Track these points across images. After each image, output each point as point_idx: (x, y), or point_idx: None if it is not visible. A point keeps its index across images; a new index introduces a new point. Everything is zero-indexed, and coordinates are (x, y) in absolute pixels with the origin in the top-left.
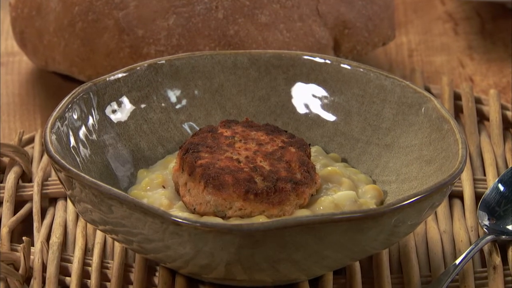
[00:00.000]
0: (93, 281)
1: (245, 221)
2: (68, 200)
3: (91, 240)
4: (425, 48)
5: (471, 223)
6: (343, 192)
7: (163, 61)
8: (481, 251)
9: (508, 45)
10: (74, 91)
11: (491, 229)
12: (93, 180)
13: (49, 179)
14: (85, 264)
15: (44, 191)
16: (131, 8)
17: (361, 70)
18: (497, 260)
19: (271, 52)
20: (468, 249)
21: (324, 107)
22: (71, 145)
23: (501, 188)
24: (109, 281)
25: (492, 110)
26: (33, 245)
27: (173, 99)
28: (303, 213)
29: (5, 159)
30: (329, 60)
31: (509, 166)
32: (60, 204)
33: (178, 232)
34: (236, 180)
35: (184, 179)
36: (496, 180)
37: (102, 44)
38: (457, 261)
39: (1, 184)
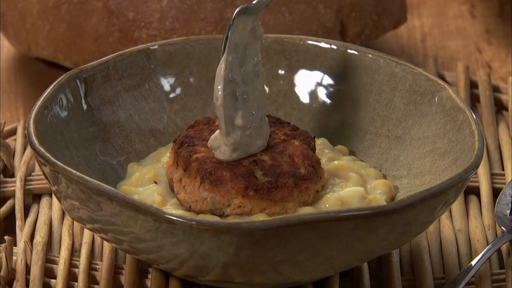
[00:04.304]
0: (80, 284)
1: (245, 219)
2: (54, 197)
3: (78, 240)
4: (439, 32)
5: (488, 221)
6: (351, 188)
7: (156, 46)
8: (498, 251)
9: None
10: (59, 78)
11: (510, 228)
12: (80, 174)
13: (33, 173)
14: (71, 265)
15: (28, 186)
16: None
17: (370, 56)
18: None
19: (272, 36)
20: (485, 249)
21: (330, 96)
22: (57, 137)
23: None
24: (97, 283)
25: None
26: (15, 245)
27: (167, 87)
28: (307, 210)
29: None
30: (335, 45)
31: None
32: (44, 200)
33: (172, 231)
34: (234, 175)
35: (179, 175)
36: None
37: (90, 28)
38: (473, 262)
39: None
